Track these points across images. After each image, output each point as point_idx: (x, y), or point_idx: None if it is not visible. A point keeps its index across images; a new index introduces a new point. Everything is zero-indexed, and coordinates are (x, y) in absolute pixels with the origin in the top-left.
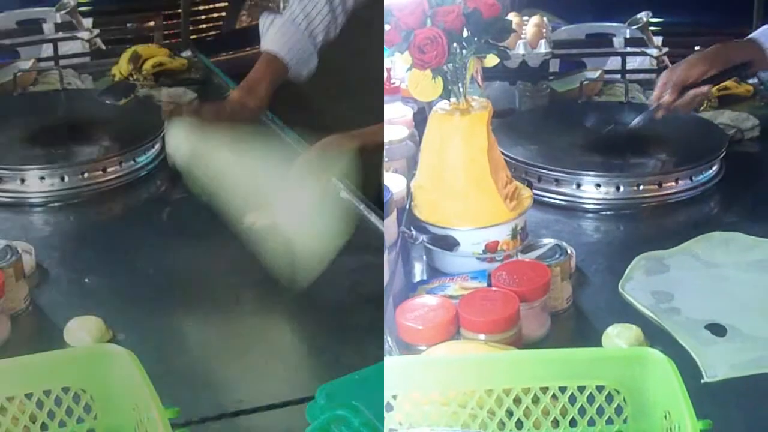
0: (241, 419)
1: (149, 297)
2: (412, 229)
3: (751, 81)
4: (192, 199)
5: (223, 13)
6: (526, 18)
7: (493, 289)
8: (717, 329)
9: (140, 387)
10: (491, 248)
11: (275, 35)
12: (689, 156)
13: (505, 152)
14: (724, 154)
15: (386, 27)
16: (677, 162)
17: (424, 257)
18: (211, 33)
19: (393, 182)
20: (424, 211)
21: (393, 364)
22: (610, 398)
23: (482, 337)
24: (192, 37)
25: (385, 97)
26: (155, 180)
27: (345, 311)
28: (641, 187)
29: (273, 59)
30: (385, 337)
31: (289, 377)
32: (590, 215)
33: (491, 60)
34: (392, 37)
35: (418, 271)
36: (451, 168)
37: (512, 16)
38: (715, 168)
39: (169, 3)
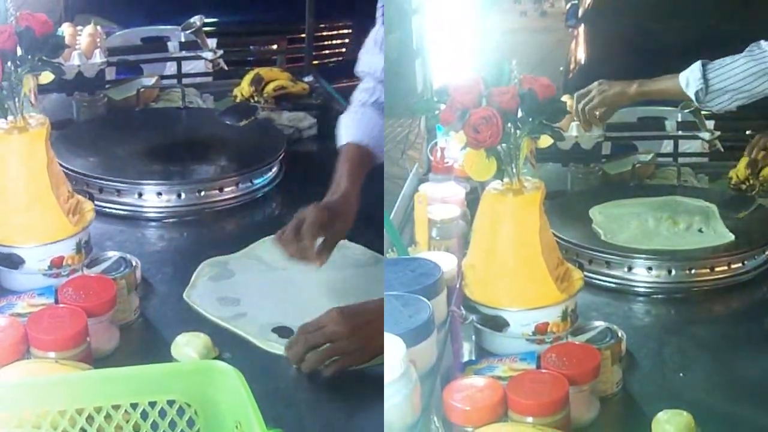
0: None
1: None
2: (462, 308)
3: (306, 79)
4: None
5: (347, 40)
6: None
7: (542, 371)
8: None
9: (244, 405)
10: (541, 330)
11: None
12: None
13: (555, 233)
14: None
15: (442, 107)
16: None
17: (473, 337)
18: (333, 59)
19: (444, 261)
20: (474, 290)
21: None
22: (181, 411)
23: (530, 419)
24: (314, 62)
25: (439, 176)
26: (271, 202)
27: None
28: (693, 271)
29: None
30: (431, 416)
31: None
32: (641, 299)
33: (545, 141)
34: (447, 116)
35: (467, 351)
36: (503, 248)
37: (566, 98)
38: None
39: (294, 28)
